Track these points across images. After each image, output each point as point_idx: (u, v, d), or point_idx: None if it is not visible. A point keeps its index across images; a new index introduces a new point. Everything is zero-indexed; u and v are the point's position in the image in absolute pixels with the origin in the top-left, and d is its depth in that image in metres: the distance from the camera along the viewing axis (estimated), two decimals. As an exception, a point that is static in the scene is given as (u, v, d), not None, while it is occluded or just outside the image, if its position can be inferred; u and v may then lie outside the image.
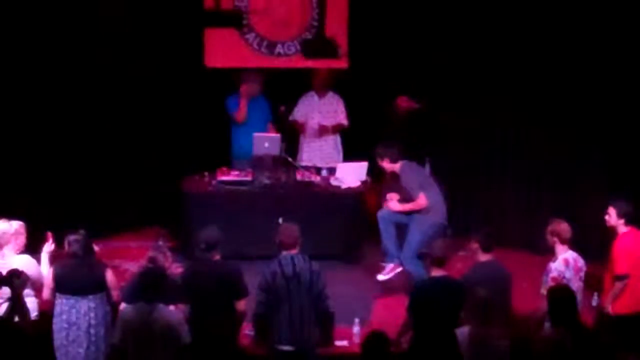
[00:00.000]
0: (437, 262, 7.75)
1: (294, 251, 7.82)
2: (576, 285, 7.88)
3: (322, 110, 11.26)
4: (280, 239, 7.85)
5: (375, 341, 6.84)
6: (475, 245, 7.99)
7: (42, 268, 7.93)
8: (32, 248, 8.12)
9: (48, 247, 8.07)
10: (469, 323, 7.20)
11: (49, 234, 8.11)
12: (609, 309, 8.19)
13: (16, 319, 7.29)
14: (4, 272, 7.43)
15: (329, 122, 11.24)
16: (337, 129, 11.29)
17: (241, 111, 10.98)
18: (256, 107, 11.06)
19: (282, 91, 11.31)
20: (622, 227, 8.25)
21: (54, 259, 8.10)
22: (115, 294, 7.84)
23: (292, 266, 7.71)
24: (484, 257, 7.97)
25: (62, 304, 7.76)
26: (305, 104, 11.29)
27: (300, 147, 11.36)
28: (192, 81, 11.59)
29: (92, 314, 7.74)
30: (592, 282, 8.43)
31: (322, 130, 11.17)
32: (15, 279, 7.25)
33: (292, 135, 11.21)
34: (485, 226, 8.57)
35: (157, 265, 7.61)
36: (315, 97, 11.28)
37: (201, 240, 7.91)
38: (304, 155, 11.31)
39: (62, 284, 7.76)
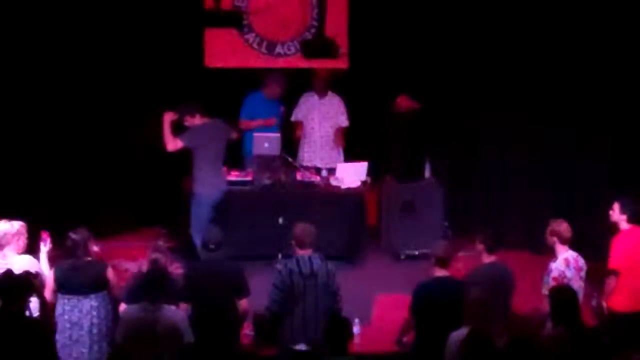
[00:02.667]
0: (440, 262, 7.74)
1: (310, 250, 7.82)
2: (577, 284, 7.88)
3: (321, 111, 11.25)
4: (298, 238, 7.83)
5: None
6: (480, 247, 7.99)
7: (42, 268, 7.93)
8: (32, 248, 8.11)
9: (45, 246, 8.06)
10: (468, 323, 7.20)
11: (45, 233, 8.10)
12: (604, 304, 8.22)
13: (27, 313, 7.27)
14: (5, 273, 7.41)
15: (328, 123, 11.25)
16: (342, 133, 11.29)
17: (251, 125, 10.95)
18: (269, 107, 11.03)
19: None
20: (624, 223, 8.27)
21: (52, 258, 8.11)
22: (117, 292, 7.84)
23: (309, 265, 7.71)
24: (488, 259, 7.97)
25: (64, 304, 7.75)
26: (305, 104, 11.29)
27: (300, 147, 11.35)
28: (192, 81, 11.58)
29: (94, 313, 7.74)
30: (592, 282, 8.43)
31: (337, 140, 11.16)
32: (33, 279, 7.22)
33: (292, 136, 11.23)
34: (490, 227, 8.58)
35: (160, 266, 7.61)
36: (316, 97, 11.28)
37: (209, 239, 7.91)
38: (305, 155, 11.31)
39: (64, 284, 7.76)
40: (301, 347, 7.71)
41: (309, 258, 7.76)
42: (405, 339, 7.96)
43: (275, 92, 11.02)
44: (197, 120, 9.95)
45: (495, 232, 8.18)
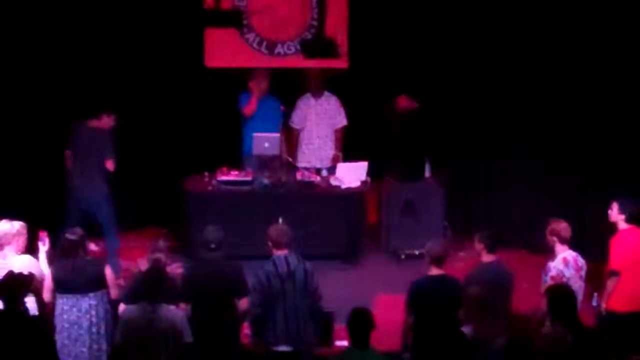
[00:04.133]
0: (435, 261, 7.74)
1: (286, 251, 7.82)
2: (577, 284, 7.89)
3: (318, 112, 11.23)
4: (273, 240, 7.84)
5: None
6: (480, 246, 7.99)
7: (42, 268, 7.93)
8: (32, 248, 8.12)
9: (44, 246, 8.06)
10: (467, 322, 7.21)
11: (44, 232, 8.11)
12: (603, 305, 8.24)
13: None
14: (6, 273, 7.42)
15: (325, 124, 11.23)
16: (342, 134, 11.29)
17: (251, 105, 10.93)
18: (267, 107, 11.02)
19: (282, 91, 11.30)
20: (622, 223, 8.29)
21: (51, 258, 8.11)
22: (114, 291, 7.85)
23: (286, 266, 7.73)
24: (488, 258, 7.97)
25: (63, 303, 7.77)
26: (302, 107, 11.26)
27: (299, 150, 11.33)
28: (192, 81, 11.58)
29: (93, 312, 7.76)
30: (593, 282, 8.43)
31: (336, 159, 11.13)
32: (31, 280, 7.23)
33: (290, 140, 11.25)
34: (489, 227, 8.58)
35: (161, 265, 7.62)
36: (312, 99, 11.26)
37: (210, 239, 7.91)
38: (303, 157, 11.29)
39: (62, 284, 7.77)
40: (284, 347, 7.71)
41: (285, 258, 7.77)
42: (408, 340, 7.91)
43: (261, 90, 10.98)
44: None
45: (494, 231, 8.19)
